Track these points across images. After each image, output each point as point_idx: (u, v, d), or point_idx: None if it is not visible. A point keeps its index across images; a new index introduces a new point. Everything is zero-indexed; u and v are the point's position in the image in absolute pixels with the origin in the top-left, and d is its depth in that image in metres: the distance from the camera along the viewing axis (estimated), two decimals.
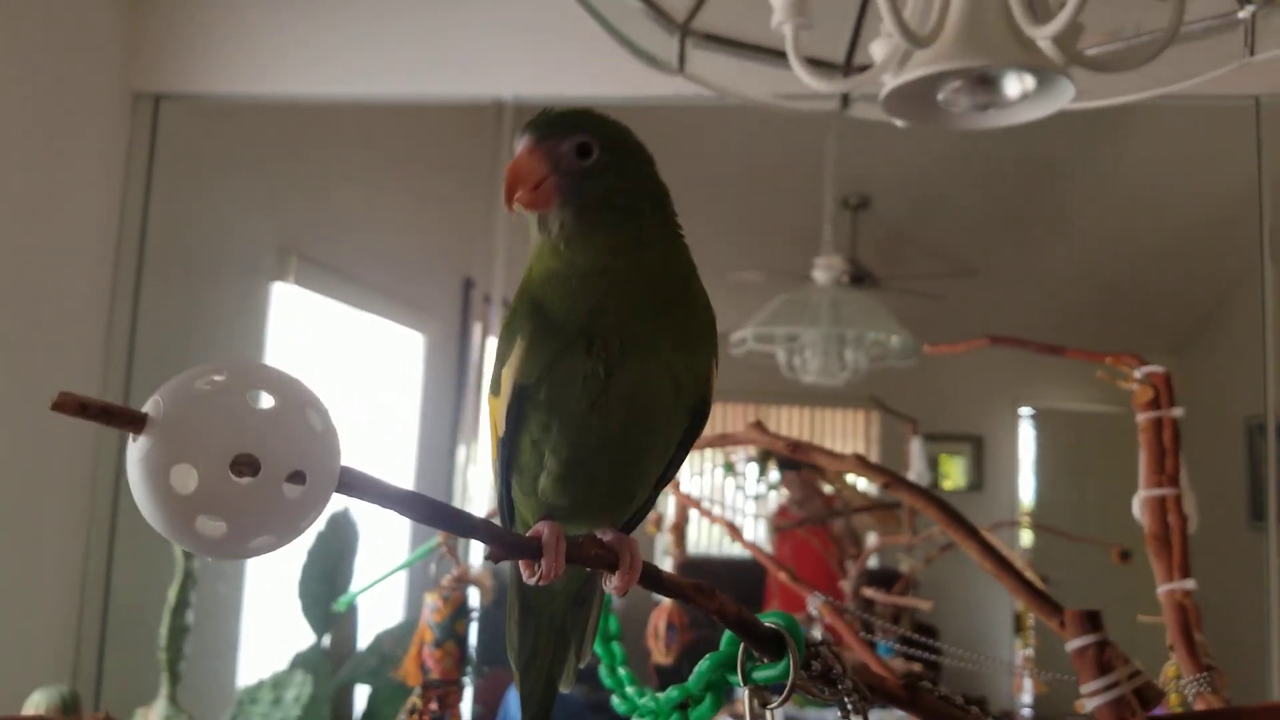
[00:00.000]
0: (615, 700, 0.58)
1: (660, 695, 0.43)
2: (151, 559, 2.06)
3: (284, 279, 2.62)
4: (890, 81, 0.82)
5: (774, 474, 3.01)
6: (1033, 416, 6.30)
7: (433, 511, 0.31)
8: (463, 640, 0.90)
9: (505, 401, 0.49)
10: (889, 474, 0.75)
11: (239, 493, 0.26)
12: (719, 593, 0.34)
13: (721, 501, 4.77)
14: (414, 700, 0.90)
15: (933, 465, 6.17)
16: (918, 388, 6.06)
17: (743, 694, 0.36)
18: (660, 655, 1.17)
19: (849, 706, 0.37)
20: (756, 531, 4.86)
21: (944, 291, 4.65)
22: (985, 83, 0.84)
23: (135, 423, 0.26)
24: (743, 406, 6.45)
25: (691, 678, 0.38)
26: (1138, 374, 1.09)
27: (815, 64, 1.11)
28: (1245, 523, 3.46)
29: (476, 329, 2.76)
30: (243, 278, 2.50)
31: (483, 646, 1.01)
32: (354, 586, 1.99)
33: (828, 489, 3.16)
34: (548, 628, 0.57)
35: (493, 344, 2.64)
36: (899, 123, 0.93)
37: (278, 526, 0.27)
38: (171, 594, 1.50)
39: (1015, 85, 0.84)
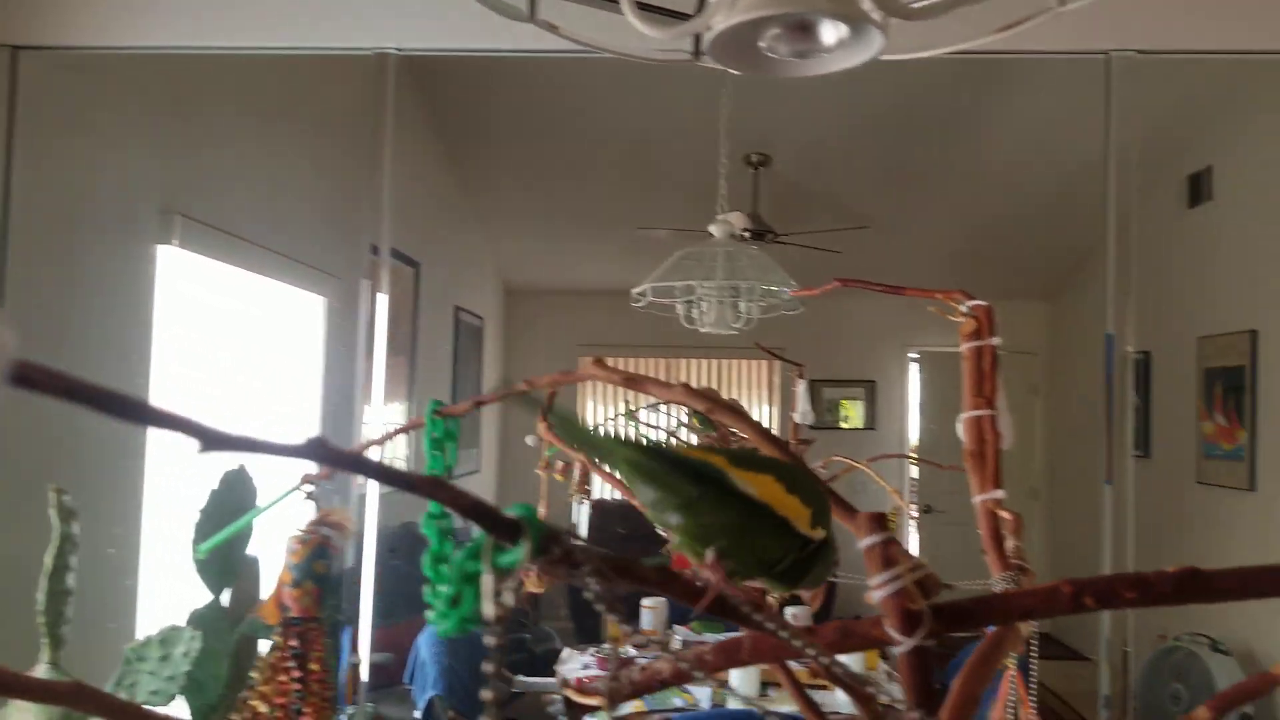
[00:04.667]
0: (426, 612, 0.63)
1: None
2: (27, 525, 2.03)
3: (168, 241, 2.56)
4: (712, 29, 0.86)
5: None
6: (918, 359, 6.58)
7: (140, 411, 0.30)
8: (323, 579, 0.94)
9: None
10: (711, 400, 0.81)
11: None
12: (448, 483, 0.38)
13: None
14: (275, 638, 0.93)
15: (834, 409, 6.40)
16: (818, 337, 6.25)
17: (504, 580, 0.41)
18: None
19: (593, 586, 0.42)
20: None
21: (841, 246, 4.78)
22: (804, 30, 0.89)
23: None
24: (653, 360, 6.55)
25: (450, 572, 0.42)
26: (963, 308, 1.16)
27: (672, 14, 1.16)
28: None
29: (381, 288, 2.74)
30: (122, 241, 2.44)
31: (349, 587, 1.05)
32: (253, 544, 2.00)
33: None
34: None
35: (384, 301, 2.63)
36: (734, 71, 0.98)
37: None
38: (48, 559, 1.49)
39: (831, 33, 0.89)
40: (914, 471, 6.13)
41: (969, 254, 5.78)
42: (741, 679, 2.66)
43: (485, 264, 6.08)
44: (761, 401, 6.49)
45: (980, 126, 4.71)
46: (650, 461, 0.54)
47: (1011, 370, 6.88)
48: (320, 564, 0.94)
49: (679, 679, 0.79)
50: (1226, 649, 4.25)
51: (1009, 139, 4.77)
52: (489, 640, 0.41)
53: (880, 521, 0.75)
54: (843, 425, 6.50)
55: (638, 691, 0.79)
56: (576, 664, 2.84)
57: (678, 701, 2.61)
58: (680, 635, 3.14)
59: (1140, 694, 4.43)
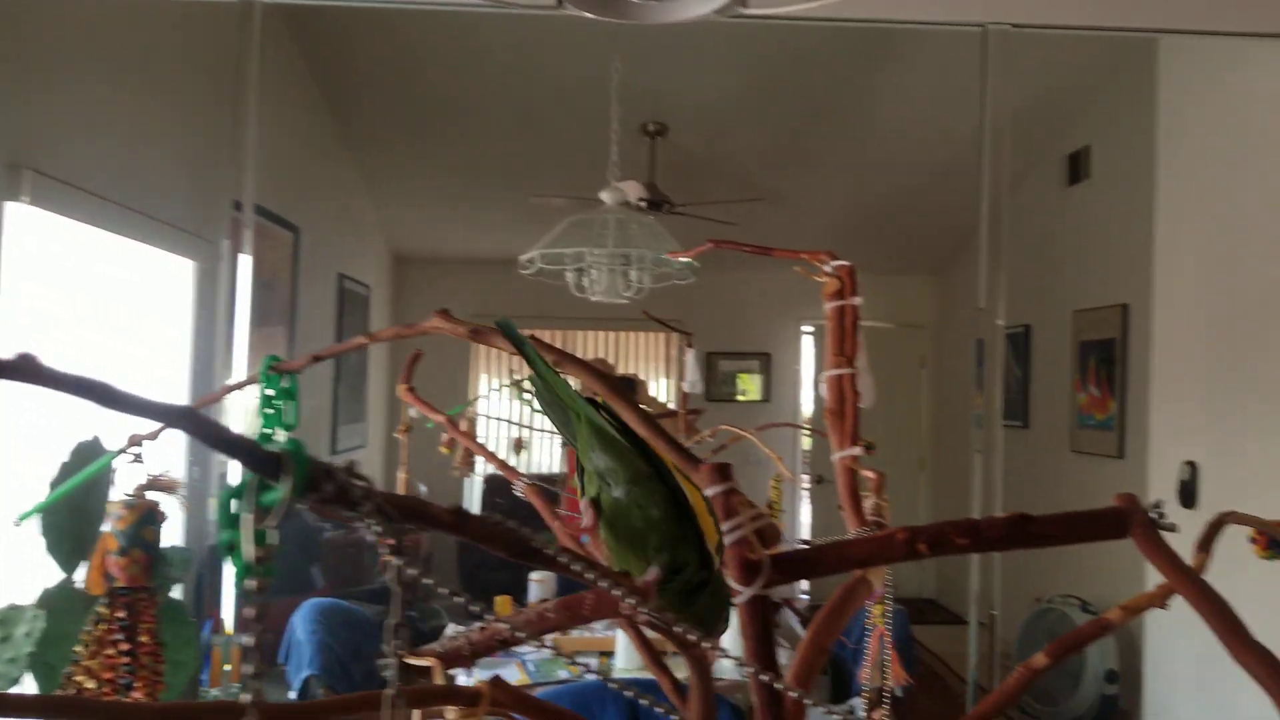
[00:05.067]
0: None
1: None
2: None
3: (17, 198, 2.39)
4: None
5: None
6: (811, 332, 6.71)
7: None
8: (151, 547, 0.88)
9: None
10: (558, 352, 0.78)
11: None
12: (197, 413, 0.35)
13: (520, 421, 4.84)
14: (100, 609, 0.87)
15: (731, 381, 6.49)
16: (713, 310, 6.31)
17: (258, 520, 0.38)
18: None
19: (374, 527, 0.39)
20: (552, 447, 5.00)
21: (736, 218, 4.80)
22: None
23: None
24: (548, 332, 6.50)
25: (218, 515, 0.39)
26: (828, 268, 1.16)
27: None
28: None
29: (243, 248, 2.62)
30: None
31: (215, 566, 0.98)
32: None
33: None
34: None
35: (247, 263, 2.51)
36: (590, 15, 0.95)
37: None
38: None
39: None
40: (807, 444, 6.26)
41: (861, 228, 5.89)
42: (628, 649, 2.66)
43: (372, 230, 5.91)
44: (658, 374, 6.51)
45: (873, 102, 4.78)
46: (612, 430, 0.57)
47: (901, 344, 7.09)
48: (149, 530, 0.88)
49: (518, 639, 0.77)
50: (1095, 609, 4.48)
51: (899, 115, 4.86)
52: (249, 584, 0.37)
53: (723, 472, 0.74)
54: (740, 398, 6.60)
55: (476, 652, 0.76)
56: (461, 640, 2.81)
57: (564, 674, 2.60)
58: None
59: (1018, 653, 4.62)
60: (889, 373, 6.90)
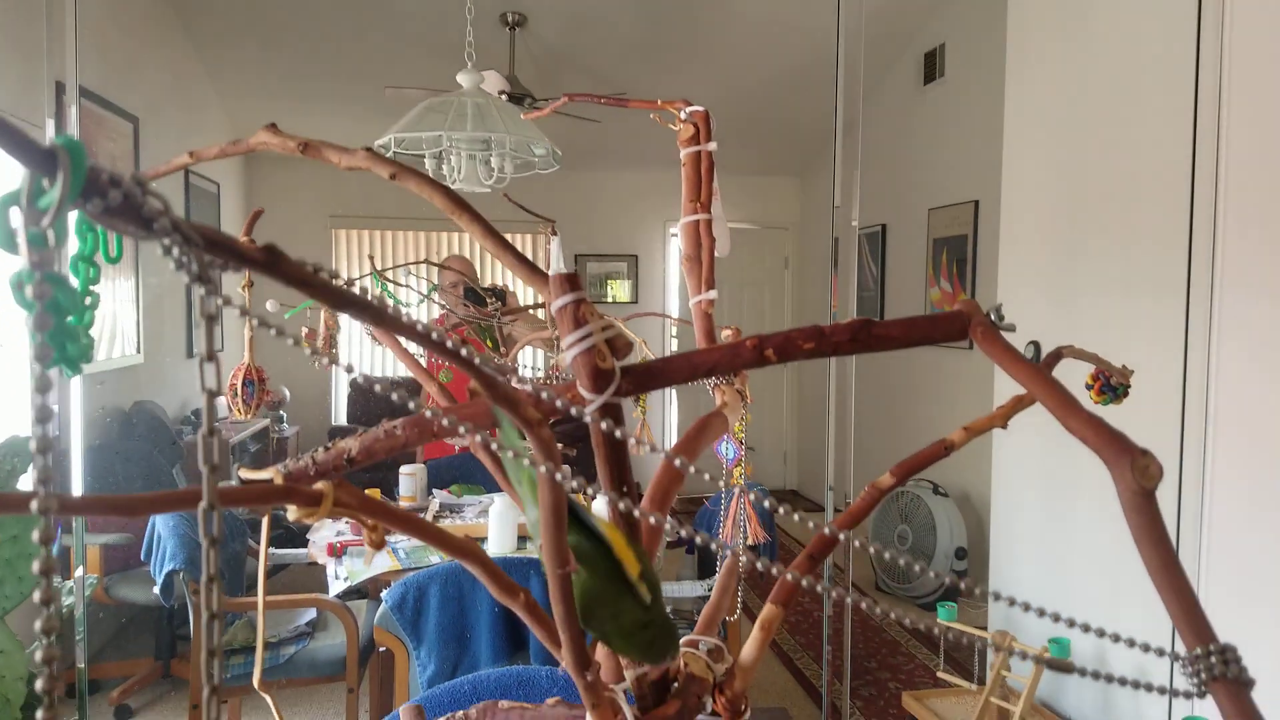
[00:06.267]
0: None
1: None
2: None
3: None
4: None
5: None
6: (676, 234, 6.79)
7: None
8: None
9: None
10: (397, 165, 0.75)
11: None
12: None
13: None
14: None
15: (601, 284, 6.51)
16: (581, 211, 6.26)
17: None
18: (239, 412, 1.13)
19: (171, 247, 0.36)
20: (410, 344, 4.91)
21: (600, 115, 4.73)
22: None
23: None
24: (412, 234, 6.31)
25: None
26: (682, 114, 1.16)
27: None
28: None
29: (70, 132, 2.40)
30: None
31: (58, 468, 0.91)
32: None
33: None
34: None
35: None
36: None
37: None
38: None
39: None
40: (675, 344, 6.36)
41: (724, 128, 5.85)
42: (499, 535, 2.68)
43: (219, 125, 5.55)
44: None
45: (735, 2, 4.74)
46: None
47: (765, 244, 7.22)
48: None
49: (368, 455, 0.75)
50: (945, 491, 4.77)
51: (760, 13, 4.84)
52: (28, 292, 0.34)
53: (571, 282, 0.73)
54: (610, 301, 6.65)
55: (321, 471, 0.74)
56: (330, 530, 2.77)
57: (435, 559, 2.60)
58: (439, 499, 3.12)
59: (873, 535, 4.90)
60: (754, 272, 7.04)
